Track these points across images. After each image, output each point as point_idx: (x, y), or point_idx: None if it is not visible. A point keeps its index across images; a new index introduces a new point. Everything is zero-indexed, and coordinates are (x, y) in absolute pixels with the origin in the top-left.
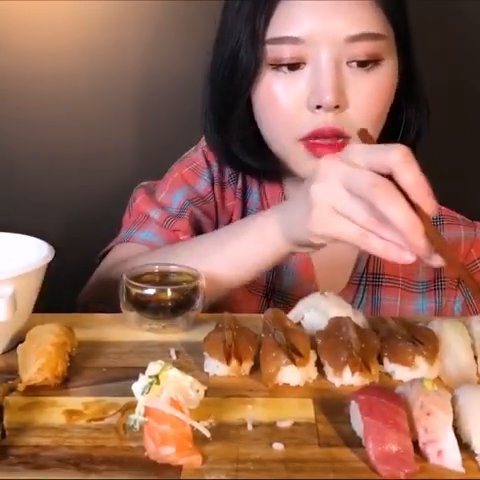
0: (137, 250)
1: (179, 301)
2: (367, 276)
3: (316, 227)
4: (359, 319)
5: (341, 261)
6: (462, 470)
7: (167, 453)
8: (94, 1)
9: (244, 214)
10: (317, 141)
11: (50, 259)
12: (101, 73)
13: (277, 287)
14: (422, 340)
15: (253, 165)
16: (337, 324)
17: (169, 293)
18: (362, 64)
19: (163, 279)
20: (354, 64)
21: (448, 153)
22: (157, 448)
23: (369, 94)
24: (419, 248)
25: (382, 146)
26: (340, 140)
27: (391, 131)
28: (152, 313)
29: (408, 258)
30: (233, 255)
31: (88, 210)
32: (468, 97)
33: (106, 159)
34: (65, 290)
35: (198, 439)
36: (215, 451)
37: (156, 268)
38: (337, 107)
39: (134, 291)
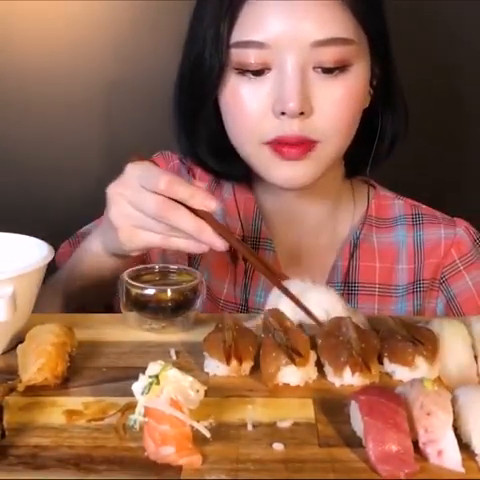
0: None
1: (179, 301)
2: (342, 285)
3: (126, 244)
4: (359, 319)
5: (315, 272)
6: (462, 470)
7: (167, 453)
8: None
9: None
10: (282, 145)
11: (50, 259)
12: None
13: (250, 304)
14: (422, 340)
15: (218, 169)
16: (337, 324)
17: (169, 293)
18: (328, 70)
19: (163, 279)
20: (320, 70)
21: (430, 153)
22: (157, 448)
23: (335, 100)
24: (213, 244)
25: (153, 172)
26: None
27: (367, 136)
28: (152, 313)
29: (205, 248)
30: (78, 272)
31: (87, 210)
32: (446, 98)
33: (105, 159)
34: None
35: (198, 439)
36: (215, 451)
37: (156, 268)
38: (302, 114)
39: (134, 291)
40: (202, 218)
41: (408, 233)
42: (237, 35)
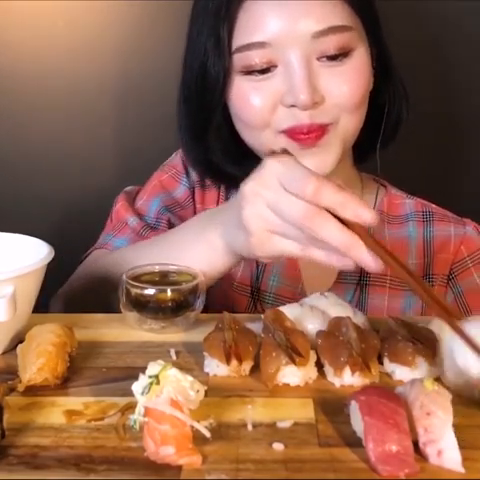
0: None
1: (179, 301)
2: (354, 276)
3: (258, 251)
4: (359, 319)
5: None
6: (462, 470)
7: (167, 453)
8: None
9: None
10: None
11: (50, 259)
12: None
13: (263, 287)
14: (422, 340)
15: (236, 173)
16: (337, 324)
17: (169, 293)
18: (332, 58)
19: (163, 279)
20: (324, 59)
21: (444, 152)
22: (157, 448)
23: (343, 85)
24: (363, 261)
25: (298, 172)
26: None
27: (371, 120)
28: (152, 313)
29: (351, 264)
30: (175, 259)
31: (86, 210)
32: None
33: (105, 159)
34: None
35: (198, 439)
36: (215, 451)
37: (156, 268)
38: (314, 104)
39: (134, 291)
40: (353, 231)
41: (418, 229)
42: (238, 40)
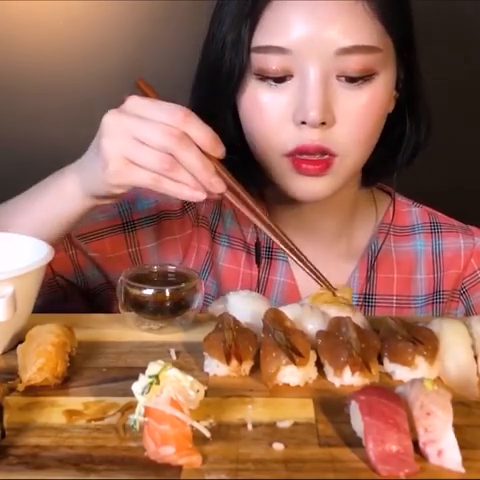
0: None
1: (177, 301)
2: (359, 297)
3: (113, 178)
4: (359, 319)
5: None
6: (462, 470)
7: (167, 453)
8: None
9: (212, 239)
10: (302, 157)
11: (50, 259)
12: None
13: None
14: (422, 340)
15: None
16: (337, 324)
17: (167, 293)
18: (352, 79)
19: (161, 280)
20: (343, 78)
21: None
22: (157, 448)
23: (359, 111)
24: (212, 184)
25: (165, 104)
26: (326, 156)
27: (388, 144)
28: (150, 314)
29: (199, 196)
30: (38, 214)
31: None
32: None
33: None
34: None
35: (198, 439)
36: (215, 451)
37: (154, 268)
38: (323, 124)
39: (132, 292)
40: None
41: (426, 241)
42: (258, 39)
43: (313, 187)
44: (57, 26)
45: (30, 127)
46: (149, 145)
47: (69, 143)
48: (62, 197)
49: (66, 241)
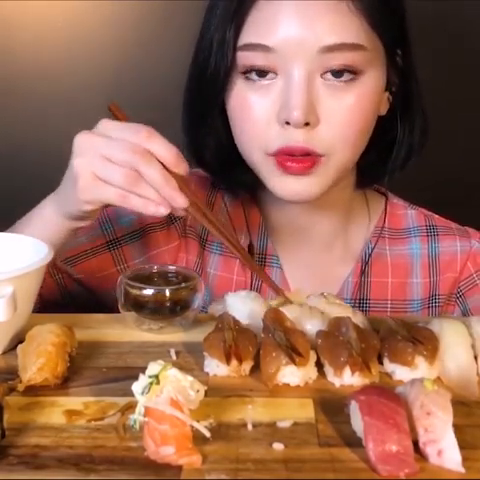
0: None
1: (177, 301)
2: (353, 302)
3: (83, 194)
4: (359, 319)
5: (325, 288)
6: (462, 470)
7: (167, 453)
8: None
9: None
10: (287, 157)
11: (50, 259)
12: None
13: None
14: (422, 340)
15: (224, 179)
16: (337, 324)
17: (167, 293)
18: (337, 75)
19: (161, 280)
20: (329, 76)
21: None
22: (157, 448)
23: (344, 110)
24: (174, 199)
25: (131, 125)
26: (310, 156)
27: (383, 145)
28: (150, 314)
29: (163, 211)
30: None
31: None
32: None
33: None
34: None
35: (198, 439)
36: (215, 451)
37: (154, 268)
38: (307, 124)
39: (132, 292)
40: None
41: (422, 245)
42: (244, 38)
43: (298, 187)
44: (57, 26)
45: (30, 127)
46: (115, 162)
47: (69, 142)
48: (43, 223)
49: (51, 266)
